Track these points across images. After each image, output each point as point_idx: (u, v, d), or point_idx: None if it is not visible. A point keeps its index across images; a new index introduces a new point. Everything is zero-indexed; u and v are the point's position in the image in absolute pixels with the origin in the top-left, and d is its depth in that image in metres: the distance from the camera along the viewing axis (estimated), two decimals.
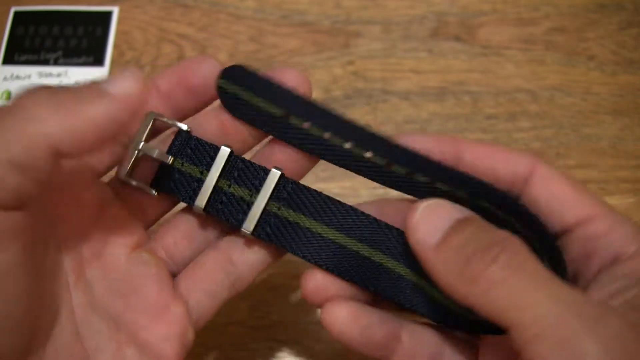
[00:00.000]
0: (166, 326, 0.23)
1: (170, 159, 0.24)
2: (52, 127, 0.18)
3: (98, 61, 0.42)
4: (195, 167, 0.24)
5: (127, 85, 0.19)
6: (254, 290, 0.35)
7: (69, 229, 0.22)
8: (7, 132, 0.18)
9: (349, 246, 0.24)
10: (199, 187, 0.24)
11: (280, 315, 0.34)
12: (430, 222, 0.21)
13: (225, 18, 0.43)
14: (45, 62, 0.42)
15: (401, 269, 0.24)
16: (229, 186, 0.24)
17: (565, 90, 0.40)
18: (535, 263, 0.18)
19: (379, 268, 0.24)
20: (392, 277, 0.24)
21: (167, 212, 0.26)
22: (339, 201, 0.24)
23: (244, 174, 0.24)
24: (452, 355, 0.24)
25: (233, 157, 0.24)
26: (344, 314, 0.23)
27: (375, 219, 0.24)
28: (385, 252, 0.24)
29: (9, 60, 0.42)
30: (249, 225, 0.24)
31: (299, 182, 0.24)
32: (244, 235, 0.24)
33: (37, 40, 0.42)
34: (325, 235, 0.24)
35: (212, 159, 0.24)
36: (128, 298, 0.23)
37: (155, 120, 0.24)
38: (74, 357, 0.21)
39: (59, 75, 0.41)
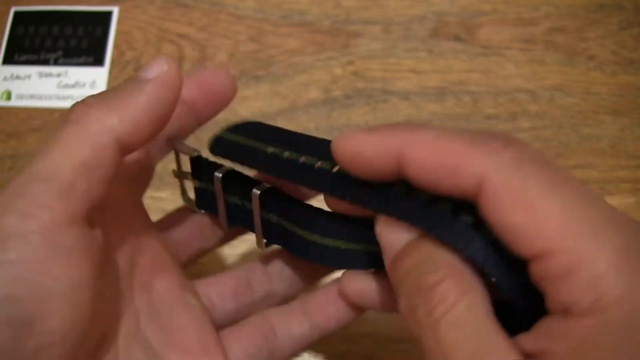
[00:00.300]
0: None
1: (195, 182, 0.26)
2: (111, 121, 0.19)
3: (98, 61, 0.42)
4: (211, 185, 0.25)
5: (161, 67, 0.21)
6: None
7: (120, 253, 0.22)
8: (71, 136, 0.19)
9: (342, 247, 0.24)
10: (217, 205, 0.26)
11: None
12: (388, 236, 0.19)
13: (225, 18, 0.43)
14: (45, 62, 0.42)
15: None
16: (240, 200, 0.25)
17: (565, 90, 0.40)
18: (455, 321, 0.16)
19: (378, 254, 0.23)
20: None
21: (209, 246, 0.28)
22: (319, 210, 0.24)
23: (243, 189, 0.25)
24: None
25: (232, 174, 0.25)
26: (343, 286, 0.24)
27: (357, 222, 0.23)
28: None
29: (9, 60, 0.42)
30: (259, 240, 0.25)
31: (282, 195, 0.25)
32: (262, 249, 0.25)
33: (37, 40, 0.42)
34: (319, 242, 0.24)
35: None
36: (170, 336, 0.23)
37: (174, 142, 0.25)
38: None
39: (59, 75, 0.41)
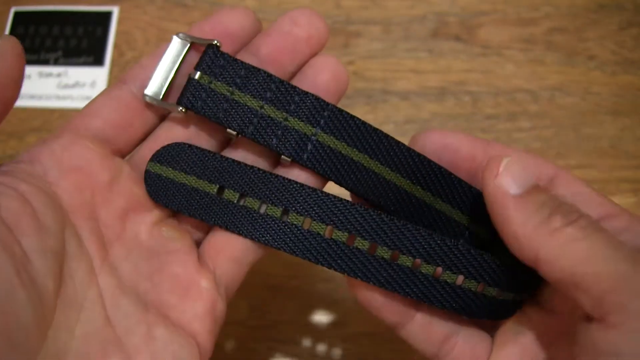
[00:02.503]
0: (195, 303, 0.23)
1: (197, 75, 0.23)
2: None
3: (98, 61, 0.42)
4: (225, 85, 0.23)
5: None
6: (254, 290, 0.35)
7: (84, 210, 0.22)
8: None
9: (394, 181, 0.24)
10: (230, 108, 0.23)
11: (280, 315, 0.34)
12: (516, 173, 0.21)
13: None
14: (45, 62, 0.42)
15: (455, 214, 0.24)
16: (261, 107, 0.23)
17: (565, 90, 0.40)
18: (609, 232, 0.20)
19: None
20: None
21: None
22: (387, 135, 0.23)
23: (278, 94, 0.23)
24: (466, 337, 0.24)
25: (267, 76, 0.23)
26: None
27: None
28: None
29: None
30: (283, 147, 0.23)
31: (341, 109, 0.23)
32: (283, 161, 0.23)
33: (37, 40, 0.42)
34: (368, 166, 0.23)
35: (243, 78, 0.23)
36: (153, 277, 0.23)
37: (184, 41, 0.24)
38: (106, 342, 0.21)
39: (59, 75, 0.41)
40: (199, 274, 0.23)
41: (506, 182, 0.21)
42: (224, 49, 0.24)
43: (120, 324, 0.21)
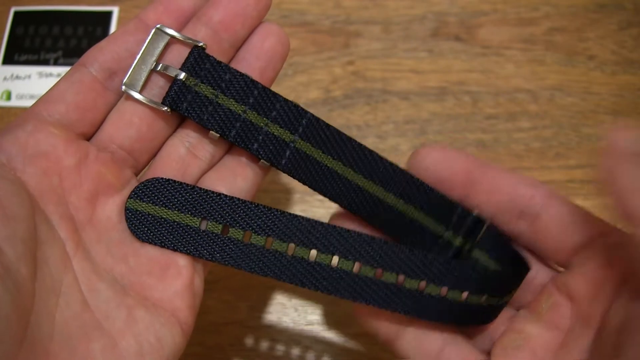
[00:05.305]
0: (174, 281, 0.23)
1: (183, 76, 0.23)
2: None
3: None
4: (210, 88, 0.23)
5: None
6: (253, 290, 0.35)
7: (53, 195, 0.22)
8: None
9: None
10: (214, 111, 0.23)
11: (280, 315, 0.34)
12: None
13: None
14: (45, 62, 0.42)
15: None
16: (244, 112, 0.23)
17: (565, 90, 0.40)
18: None
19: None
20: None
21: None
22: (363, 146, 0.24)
23: (260, 100, 0.23)
24: (459, 350, 0.24)
25: (250, 82, 0.23)
26: None
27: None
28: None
29: (9, 60, 0.42)
30: (263, 153, 0.24)
31: (318, 118, 0.24)
32: (263, 165, 0.24)
33: (37, 40, 0.42)
34: (342, 173, 0.24)
35: (227, 82, 0.23)
36: (128, 259, 0.23)
37: (164, 34, 0.24)
38: (86, 327, 0.21)
39: (59, 75, 0.41)
40: (175, 252, 0.23)
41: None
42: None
43: (100, 308, 0.21)
